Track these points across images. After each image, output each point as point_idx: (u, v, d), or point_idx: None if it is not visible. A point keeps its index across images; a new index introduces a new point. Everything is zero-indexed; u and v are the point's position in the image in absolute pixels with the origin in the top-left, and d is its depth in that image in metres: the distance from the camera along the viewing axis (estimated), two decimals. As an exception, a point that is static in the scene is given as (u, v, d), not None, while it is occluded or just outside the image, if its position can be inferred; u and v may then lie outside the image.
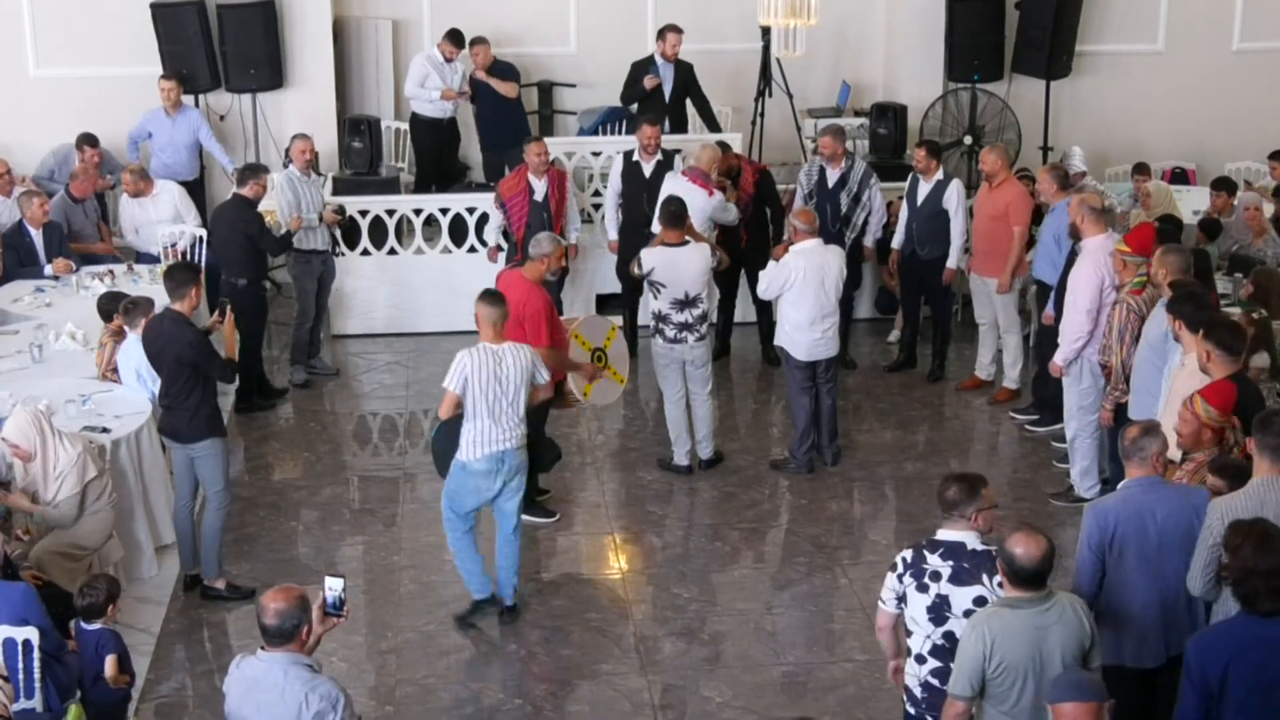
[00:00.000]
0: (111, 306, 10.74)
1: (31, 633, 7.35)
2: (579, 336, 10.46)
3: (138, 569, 9.73)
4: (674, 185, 12.24)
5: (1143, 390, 9.31)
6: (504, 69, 15.08)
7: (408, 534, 10.47)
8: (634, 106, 14.73)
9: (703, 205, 12.01)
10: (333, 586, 6.17)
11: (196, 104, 15.07)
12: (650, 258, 10.86)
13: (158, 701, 8.54)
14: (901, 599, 6.54)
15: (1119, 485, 7.12)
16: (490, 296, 9.09)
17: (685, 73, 14.68)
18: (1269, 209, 13.72)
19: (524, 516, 10.44)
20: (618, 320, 11.36)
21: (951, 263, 12.61)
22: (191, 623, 9.35)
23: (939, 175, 12.53)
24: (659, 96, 14.55)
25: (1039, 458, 11.55)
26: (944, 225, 12.51)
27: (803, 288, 10.83)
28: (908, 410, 12.52)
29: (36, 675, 7.35)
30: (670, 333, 10.91)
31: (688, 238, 10.91)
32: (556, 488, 11.02)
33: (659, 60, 14.57)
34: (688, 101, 14.81)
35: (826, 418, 11.33)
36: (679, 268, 10.80)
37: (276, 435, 12.16)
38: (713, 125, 14.74)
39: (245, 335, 12.02)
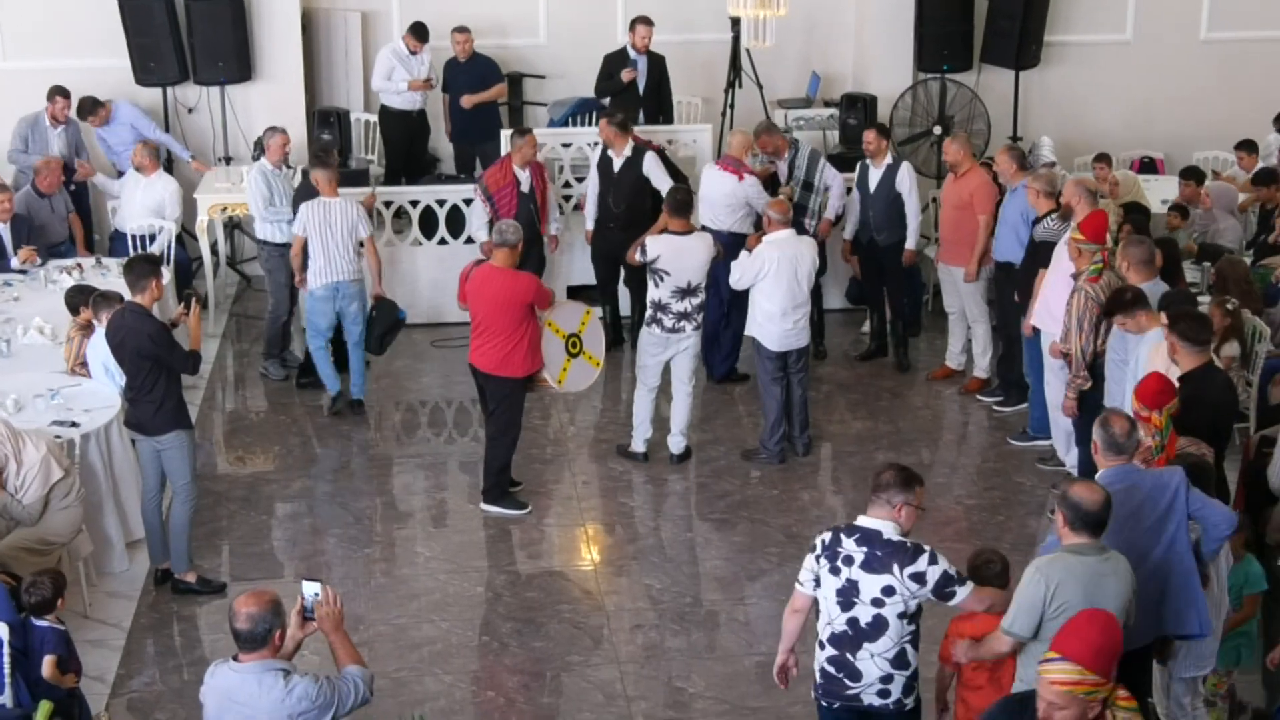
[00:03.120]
0: (78, 300, 10.68)
1: (1, 629, 7.31)
2: (553, 324, 10.47)
3: (108, 563, 9.69)
4: (707, 176, 12.38)
5: (1111, 381, 9.51)
6: (485, 65, 15.01)
7: (379, 526, 10.47)
8: (606, 100, 14.74)
9: (732, 190, 12.02)
10: (308, 591, 6.12)
11: (165, 97, 15.02)
12: (656, 245, 10.85)
13: (129, 696, 8.51)
14: (817, 580, 6.55)
15: (1099, 475, 7.12)
16: (323, 164, 11.87)
17: (659, 64, 14.70)
18: (1241, 196, 13.79)
19: (496, 509, 10.51)
20: (596, 309, 11.33)
21: (910, 244, 12.67)
22: (162, 617, 9.32)
23: (889, 160, 12.60)
24: (633, 89, 14.55)
25: (1009, 447, 11.58)
26: (900, 210, 12.60)
27: (776, 278, 10.85)
28: (878, 400, 12.55)
29: (6, 671, 7.30)
30: (669, 322, 10.90)
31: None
32: (528, 479, 11.01)
33: (631, 52, 14.57)
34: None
35: (798, 408, 11.34)
36: (685, 256, 10.81)
37: (247, 428, 12.13)
38: (668, 117, 14.85)
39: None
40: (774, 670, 6.96)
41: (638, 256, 11.01)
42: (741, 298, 11.84)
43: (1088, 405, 9.90)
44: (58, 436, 9.28)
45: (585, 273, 13.69)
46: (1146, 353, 8.85)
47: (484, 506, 10.61)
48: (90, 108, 14.34)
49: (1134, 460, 7.13)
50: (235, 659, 6.00)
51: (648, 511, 10.81)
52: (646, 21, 14.55)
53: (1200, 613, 7.02)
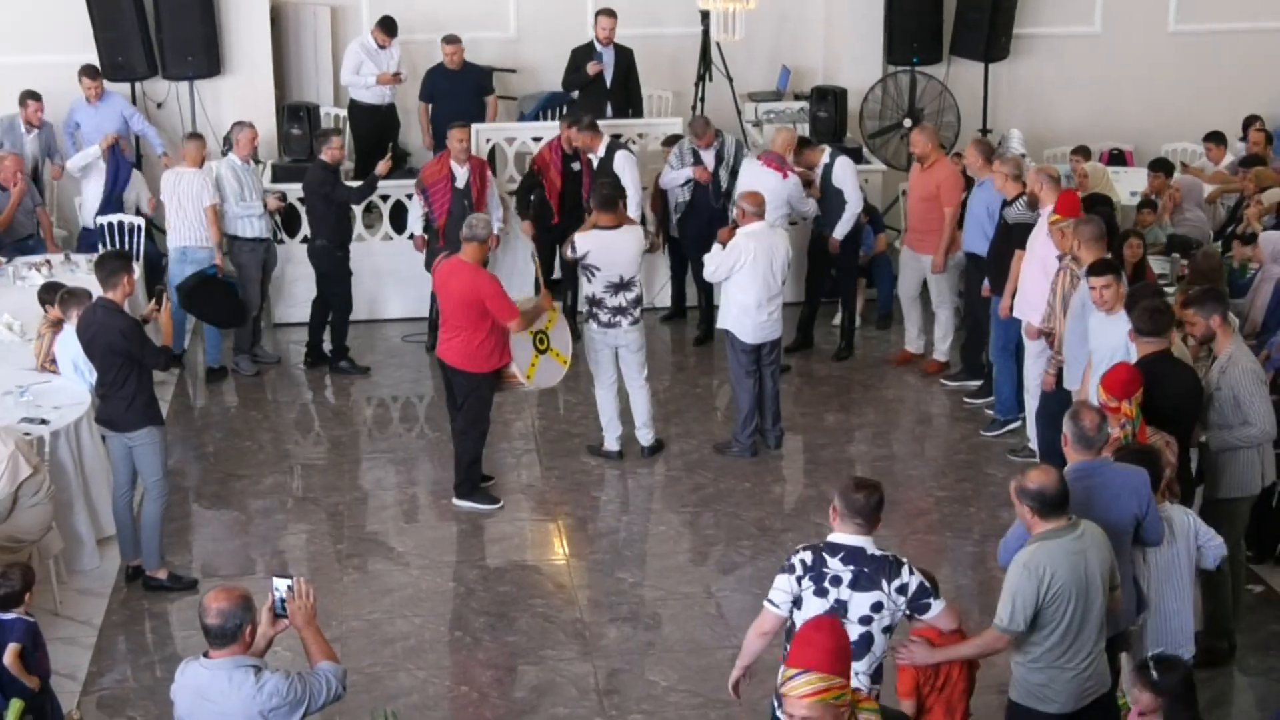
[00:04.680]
0: (50, 297, 10.63)
1: (-32, 626, 7.28)
2: None
3: (79, 561, 9.66)
4: (749, 170, 12.38)
5: (1073, 360, 9.70)
6: (478, 74, 14.84)
7: (350, 522, 10.45)
8: (575, 93, 14.71)
9: (777, 188, 12.00)
10: (279, 587, 6.09)
11: (133, 92, 14.94)
12: (584, 242, 10.84)
13: (100, 694, 8.49)
14: (796, 602, 6.36)
15: (1068, 468, 7.15)
16: (194, 135, 12.86)
17: (626, 57, 14.68)
18: (1209, 188, 13.85)
19: (468, 504, 10.49)
20: (557, 303, 11.32)
21: (838, 233, 12.76)
22: (134, 614, 9.30)
23: (825, 158, 12.67)
24: (600, 81, 14.53)
25: (980, 439, 11.61)
26: (843, 203, 12.65)
27: (752, 270, 10.84)
28: (850, 393, 12.57)
29: (-25, 670, 7.28)
30: (605, 317, 10.90)
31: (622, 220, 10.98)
32: (500, 474, 11.00)
33: (597, 45, 14.56)
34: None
35: (770, 400, 11.34)
36: (613, 251, 10.79)
37: (218, 424, 12.09)
38: (637, 111, 14.84)
39: (326, 296, 12.87)
40: (729, 684, 6.77)
41: (568, 253, 11.03)
42: None
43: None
44: (27, 434, 9.25)
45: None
46: (1122, 338, 8.92)
47: (456, 502, 10.60)
48: (94, 73, 14.29)
49: (1103, 454, 7.18)
50: (206, 655, 5.98)
51: (620, 505, 10.82)
52: (609, 13, 14.53)
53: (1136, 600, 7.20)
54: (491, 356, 10.24)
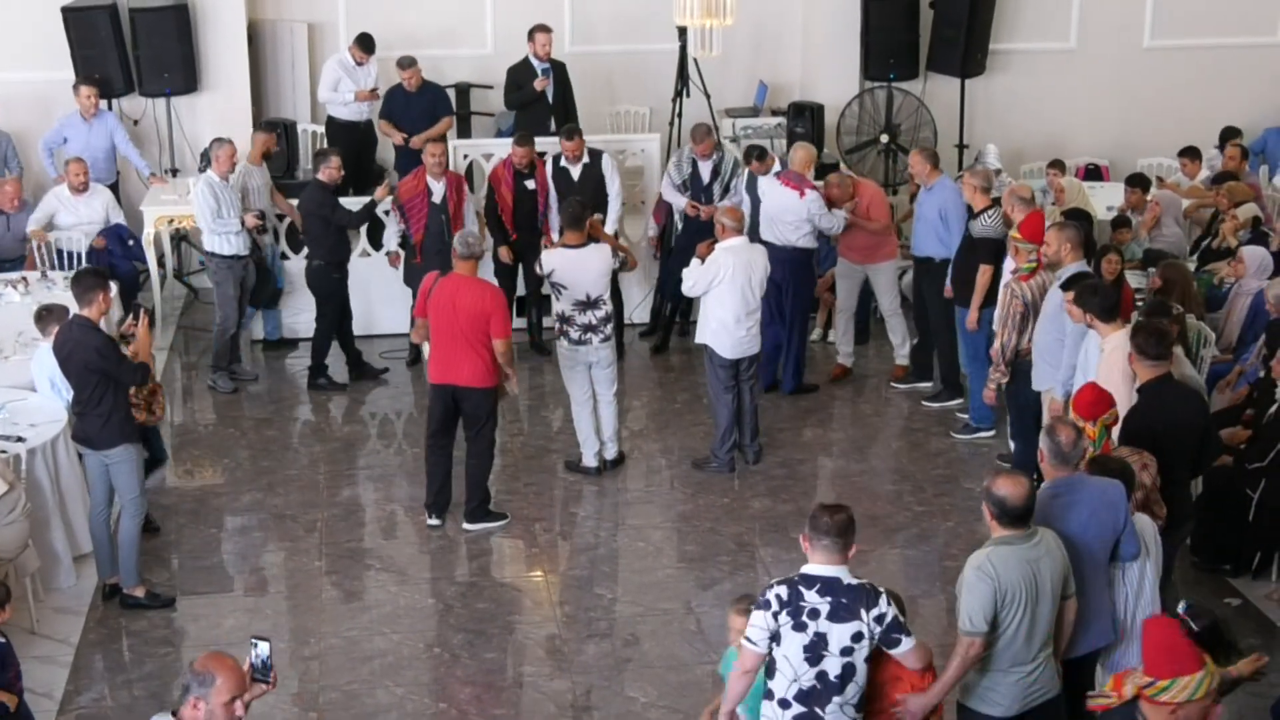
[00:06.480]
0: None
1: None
2: None
3: (55, 579, 9.62)
4: (767, 189, 12.33)
5: (1041, 362, 9.82)
6: (434, 94, 14.81)
7: (328, 539, 10.42)
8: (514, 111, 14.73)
9: (794, 206, 11.94)
10: (258, 649, 5.87)
11: (110, 108, 14.91)
12: (551, 259, 10.86)
13: (77, 712, 8.45)
14: (774, 637, 6.28)
15: (1044, 485, 7.15)
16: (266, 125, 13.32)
17: (562, 73, 14.67)
18: (1186, 203, 13.91)
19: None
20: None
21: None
22: (111, 632, 9.26)
23: (776, 167, 12.70)
24: (543, 98, 14.51)
25: (957, 454, 11.64)
26: None
27: (730, 285, 10.85)
28: (828, 408, 12.59)
29: (-49, 686, 7.25)
30: (575, 334, 10.90)
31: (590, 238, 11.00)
32: (478, 490, 10.99)
33: (534, 61, 14.52)
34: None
35: (749, 416, 11.35)
36: (580, 269, 10.79)
37: (196, 441, 12.05)
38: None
39: (318, 316, 12.85)
40: None
41: (537, 270, 11.07)
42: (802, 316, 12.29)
43: (1023, 400, 10.10)
44: (3, 451, 9.22)
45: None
46: (1095, 348, 8.95)
47: (467, 526, 10.49)
48: (94, 84, 14.25)
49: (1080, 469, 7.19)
50: (174, 715, 5.66)
51: (598, 520, 10.81)
52: (545, 29, 14.51)
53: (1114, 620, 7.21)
54: (498, 368, 10.25)
